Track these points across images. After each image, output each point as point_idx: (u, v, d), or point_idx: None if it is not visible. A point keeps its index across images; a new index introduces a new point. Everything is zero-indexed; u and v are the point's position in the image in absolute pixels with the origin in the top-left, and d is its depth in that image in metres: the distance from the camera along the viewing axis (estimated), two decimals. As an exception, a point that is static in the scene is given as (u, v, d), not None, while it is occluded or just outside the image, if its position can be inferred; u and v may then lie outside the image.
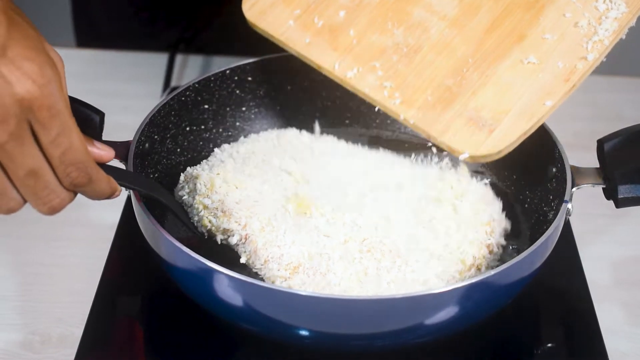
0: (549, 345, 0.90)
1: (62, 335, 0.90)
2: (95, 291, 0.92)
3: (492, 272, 0.76)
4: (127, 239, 0.98)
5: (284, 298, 0.74)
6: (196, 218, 0.88)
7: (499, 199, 0.92)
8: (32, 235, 1.02)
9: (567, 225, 0.99)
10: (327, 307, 0.74)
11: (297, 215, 0.87)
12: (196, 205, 0.88)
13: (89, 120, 0.87)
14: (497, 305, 0.82)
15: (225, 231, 0.87)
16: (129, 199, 1.01)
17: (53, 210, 0.70)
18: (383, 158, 0.97)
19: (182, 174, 0.93)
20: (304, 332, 0.78)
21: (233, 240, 0.86)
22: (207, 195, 0.88)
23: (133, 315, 0.92)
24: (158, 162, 0.95)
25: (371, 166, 0.95)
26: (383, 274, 0.82)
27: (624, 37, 0.87)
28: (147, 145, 0.91)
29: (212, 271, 0.76)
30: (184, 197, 0.90)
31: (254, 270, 0.84)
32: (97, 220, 1.03)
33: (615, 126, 0.89)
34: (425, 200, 0.90)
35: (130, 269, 0.96)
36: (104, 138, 0.87)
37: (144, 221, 0.82)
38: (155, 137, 0.94)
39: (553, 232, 0.81)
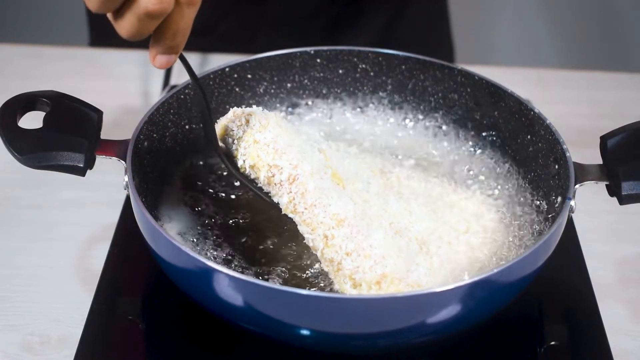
0: (553, 343, 0.89)
1: (62, 336, 0.89)
2: (94, 292, 0.92)
3: (495, 270, 0.76)
4: (126, 239, 0.98)
5: (285, 297, 0.74)
6: (242, 151, 0.85)
7: (502, 197, 0.92)
8: (30, 236, 1.01)
9: (570, 223, 0.99)
10: (328, 306, 0.74)
11: (334, 183, 0.86)
12: (246, 138, 0.85)
13: (87, 118, 0.87)
14: (500, 303, 0.82)
15: (272, 167, 0.83)
16: (127, 198, 1.00)
17: (160, 4, 0.67)
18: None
19: (231, 109, 0.89)
20: (305, 332, 0.77)
21: (279, 178, 0.83)
22: (260, 131, 0.85)
23: (133, 316, 0.91)
24: (157, 161, 0.94)
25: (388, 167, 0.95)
26: (412, 255, 0.83)
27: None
28: (146, 143, 0.91)
29: (211, 270, 0.75)
30: (234, 130, 0.87)
31: (290, 215, 0.82)
32: (96, 221, 1.03)
33: (618, 123, 0.89)
34: (441, 201, 0.91)
35: (130, 269, 0.96)
36: (102, 137, 0.87)
37: (142, 221, 0.81)
38: (154, 135, 0.93)
39: (556, 230, 0.81)
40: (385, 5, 1.41)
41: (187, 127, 0.99)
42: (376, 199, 0.87)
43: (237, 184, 0.96)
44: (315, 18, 1.38)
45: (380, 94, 1.06)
